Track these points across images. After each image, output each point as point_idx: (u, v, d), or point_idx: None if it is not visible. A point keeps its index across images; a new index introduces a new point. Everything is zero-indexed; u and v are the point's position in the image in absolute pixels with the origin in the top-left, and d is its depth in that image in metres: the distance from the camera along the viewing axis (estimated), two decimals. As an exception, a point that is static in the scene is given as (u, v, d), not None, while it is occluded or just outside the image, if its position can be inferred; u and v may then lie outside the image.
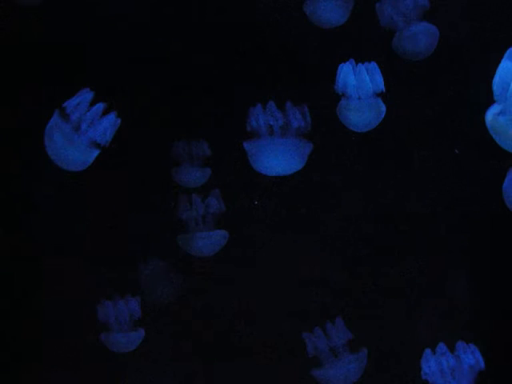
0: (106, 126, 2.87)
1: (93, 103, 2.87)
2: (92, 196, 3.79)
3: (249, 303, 3.87)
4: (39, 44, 3.71)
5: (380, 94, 3.27)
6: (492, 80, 2.53)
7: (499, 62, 2.49)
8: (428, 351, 3.14)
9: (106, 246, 3.81)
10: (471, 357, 3.12)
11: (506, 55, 2.50)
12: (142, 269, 3.82)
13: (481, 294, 3.81)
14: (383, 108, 3.34)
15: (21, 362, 3.80)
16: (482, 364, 3.13)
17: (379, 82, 3.23)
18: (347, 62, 3.19)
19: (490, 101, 2.56)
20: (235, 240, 3.74)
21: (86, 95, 2.84)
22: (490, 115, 2.62)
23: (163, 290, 3.82)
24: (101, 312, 3.55)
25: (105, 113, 2.87)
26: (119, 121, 2.88)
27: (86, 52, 3.73)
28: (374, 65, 3.20)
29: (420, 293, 3.82)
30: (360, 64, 3.19)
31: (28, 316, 3.81)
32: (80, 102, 2.84)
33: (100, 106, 2.85)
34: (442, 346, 3.14)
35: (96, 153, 2.95)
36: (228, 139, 3.65)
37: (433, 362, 3.12)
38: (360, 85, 3.21)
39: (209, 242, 3.68)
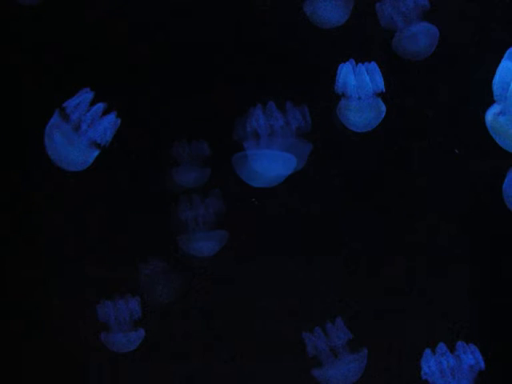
0: (106, 126, 2.87)
1: (93, 103, 2.88)
2: (92, 196, 3.78)
3: (249, 303, 3.86)
4: (39, 44, 3.70)
5: (380, 94, 3.27)
6: (492, 80, 2.54)
7: (499, 62, 2.50)
8: (428, 351, 3.15)
9: (106, 246, 3.80)
10: (471, 357, 3.12)
11: (506, 55, 2.51)
12: (142, 269, 3.81)
13: (481, 294, 3.80)
14: (383, 108, 3.34)
15: (21, 363, 3.79)
16: (482, 364, 3.13)
17: (379, 82, 3.24)
18: (347, 62, 3.20)
19: (490, 101, 2.58)
20: (235, 240, 3.73)
21: (86, 95, 2.85)
22: (490, 115, 2.63)
23: (163, 290, 3.81)
24: (101, 312, 3.54)
25: (105, 113, 2.88)
26: (119, 121, 2.89)
27: (86, 52, 3.73)
28: (373, 65, 3.21)
29: (420, 293, 3.81)
30: (360, 64, 3.20)
31: (28, 316, 3.80)
32: (80, 102, 2.85)
33: (100, 106, 2.86)
34: (441, 346, 3.14)
35: (96, 153, 2.95)
36: (228, 139, 3.65)
37: (433, 362, 3.12)
38: (360, 85, 3.21)
39: (209, 242, 3.68)
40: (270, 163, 3.29)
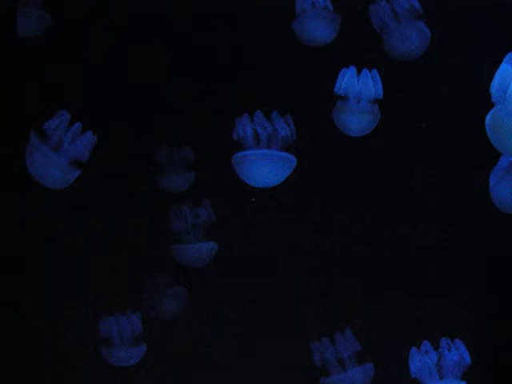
0: (85, 144, 2.97)
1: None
2: (86, 210, 3.79)
3: (253, 316, 3.85)
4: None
5: (377, 101, 3.36)
6: (490, 82, 2.52)
7: (498, 64, 2.49)
8: (413, 350, 3.17)
9: (105, 263, 3.79)
10: (456, 353, 3.14)
11: (506, 59, 2.50)
12: (145, 284, 3.80)
13: (481, 296, 3.79)
14: (379, 115, 3.41)
15: (21, 377, 3.77)
16: (468, 359, 3.15)
17: (379, 90, 3.32)
18: (351, 67, 3.29)
19: (489, 102, 2.54)
20: (234, 249, 3.77)
21: (64, 116, 2.96)
22: (489, 117, 2.57)
23: (166, 305, 3.79)
24: (103, 327, 3.56)
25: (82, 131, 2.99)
26: (95, 138, 2.99)
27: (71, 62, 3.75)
28: (374, 72, 3.31)
29: (421, 294, 3.79)
30: (365, 69, 3.29)
31: (29, 332, 3.78)
32: (60, 122, 2.96)
33: (78, 126, 2.97)
34: (426, 344, 3.16)
35: (77, 171, 3.03)
36: (216, 147, 3.62)
37: (418, 360, 3.15)
38: (363, 88, 3.29)
39: (199, 252, 3.67)
40: (258, 172, 3.29)
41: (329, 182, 3.85)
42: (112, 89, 3.75)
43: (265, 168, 3.25)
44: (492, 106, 2.53)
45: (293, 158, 3.26)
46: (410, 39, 3.49)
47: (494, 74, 2.51)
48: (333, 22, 3.55)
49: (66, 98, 3.59)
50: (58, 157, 2.95)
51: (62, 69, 3.73)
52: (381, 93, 3.31)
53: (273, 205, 3.79)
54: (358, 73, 3.27)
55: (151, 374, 3.77)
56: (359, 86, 3.28)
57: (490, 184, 3.19)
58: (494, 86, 2.49)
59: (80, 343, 3.75)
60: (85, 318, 3.69)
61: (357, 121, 3.37)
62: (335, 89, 3.32)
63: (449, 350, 3.13)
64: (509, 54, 2.48)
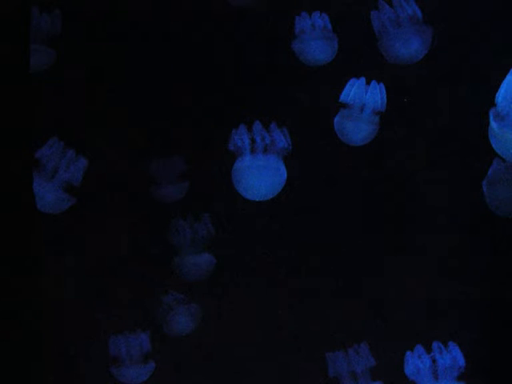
0: (79, 168, 3.08)
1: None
2: (88, 230, 3.77)
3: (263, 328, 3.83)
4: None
5: (380, 114, 3.41)
6: (490, 84, 2.58)
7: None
8: (408, 353, 3.20)
9: (114, 281, 3.79)
10: (450, 355, 3.17)
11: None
12: (156, 302, 3.78)
13: (480, 295, 3.77)
14: (378, 127, 3.46)
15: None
16: (462, 361, 3.17)
17: (383, 102, 3.39)
18: (361, 78, 3.37)
19: (489, 106, 2.57)
20: (233, 261, 3.75)
21: (58, 144, 3.07)
22: (495, 125, 2.58)
23: (181, 323, 3.77)
24: (112, 346, 3.59)
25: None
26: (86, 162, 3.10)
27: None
28: (381, 86, 3.38)
29: (422, 295, 3.79)
30: (374, 80, 3.37)
31: (36, 353, 3.76)
32: (54, 151, 3.06)
33: (72, 153, 3.08)
34: (419, 348, 3.19)
35: (72, 195, 3.11)
36: (213, 156, 3.64)
37: (412, 364, 3.18)
38: (370, 98, 3.37)
39: (197, 266, 3.67)
40: (255, 184, 3.31)
41: (327, 191, 3.84)
42: (110, 90, 3.74)
43: (262, 179, 3.29)
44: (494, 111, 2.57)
45: (284, 170, 3.30)
46: (410, 43, 3.46)
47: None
48: (332, 42, 3.55)
49: (66, 94, 3.59)
50: (51, 184, 3.04)
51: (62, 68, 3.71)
52: (384, 106, 3.37)
53: (271, 215, 3.78)
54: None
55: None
56: (367, 95, 3.35)
57: (484, 189, 3.29)
58: (500, 97, 2.52)
59: (89, 362, 3.75)
60: (94, 337, 3.69)
61: (358, 129, 3.41)
62: (341, 97, 3.37)
63: (441, 353, 3.18)
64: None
